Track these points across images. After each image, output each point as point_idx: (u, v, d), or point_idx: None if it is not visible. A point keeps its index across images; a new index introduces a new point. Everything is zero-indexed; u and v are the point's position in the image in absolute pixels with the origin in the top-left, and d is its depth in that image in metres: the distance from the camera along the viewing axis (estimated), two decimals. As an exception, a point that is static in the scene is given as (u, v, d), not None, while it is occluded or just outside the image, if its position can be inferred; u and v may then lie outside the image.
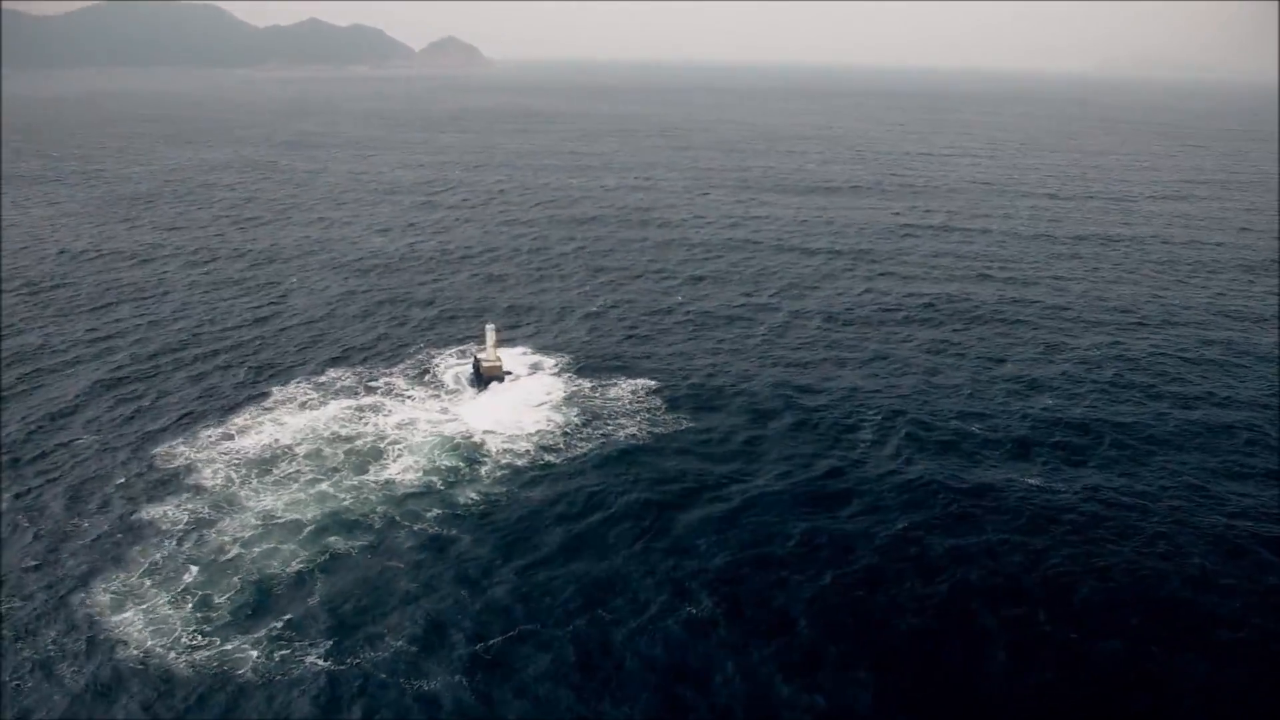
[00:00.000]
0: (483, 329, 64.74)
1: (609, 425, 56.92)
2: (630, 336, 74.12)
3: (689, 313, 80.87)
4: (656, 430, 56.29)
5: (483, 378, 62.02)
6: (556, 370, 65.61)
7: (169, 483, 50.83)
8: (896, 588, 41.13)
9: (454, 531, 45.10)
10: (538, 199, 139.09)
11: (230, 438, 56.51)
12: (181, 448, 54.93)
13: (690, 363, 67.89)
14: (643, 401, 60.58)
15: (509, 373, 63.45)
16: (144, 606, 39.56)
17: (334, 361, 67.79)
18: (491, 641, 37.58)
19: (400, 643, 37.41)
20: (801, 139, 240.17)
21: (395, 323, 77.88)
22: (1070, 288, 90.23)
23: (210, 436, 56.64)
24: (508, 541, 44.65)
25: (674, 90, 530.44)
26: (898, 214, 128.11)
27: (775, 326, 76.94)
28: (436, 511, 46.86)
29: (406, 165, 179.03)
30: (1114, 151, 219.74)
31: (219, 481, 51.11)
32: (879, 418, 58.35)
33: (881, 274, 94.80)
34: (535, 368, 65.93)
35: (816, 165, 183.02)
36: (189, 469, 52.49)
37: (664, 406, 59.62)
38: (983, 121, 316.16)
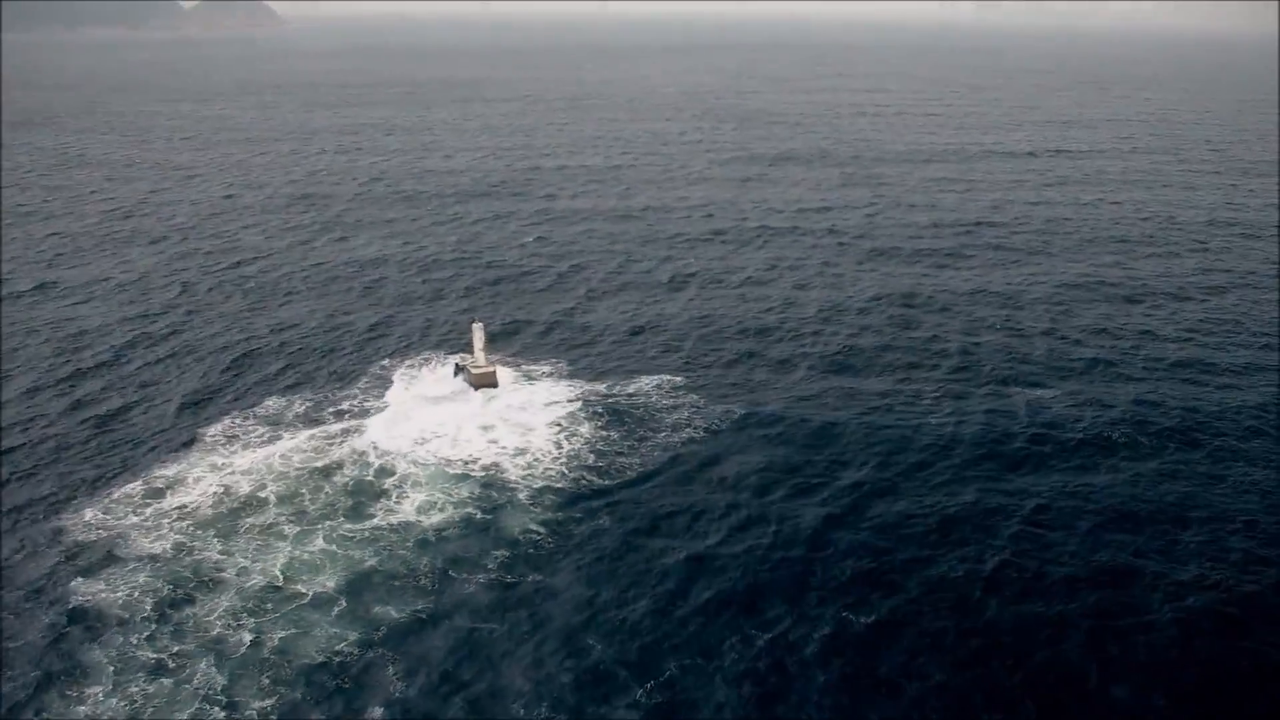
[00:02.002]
0: (470, 330, 56.99)
1: (646, 429, 51.36)
2: (628, 333, 67.58)
3: (685, 307, 74.36)
4: (710, 429, 51.27)
5: (474, 387, 54.69)
6: (554, 374, 59.11)
7: (99, 559, 40.66)
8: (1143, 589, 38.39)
9: (534, 575, 38.25)
10: (444, 182, 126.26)
11: (159, 494, 46.42)
12: (95, 514, 44.36)
13: (709, 356, 62.84)
14: (672, 399, 55.38)
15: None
16: (151, 729, 30.44)
17: (272, 388, 57.53)
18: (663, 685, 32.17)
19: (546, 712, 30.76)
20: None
21: (338, 335, 66.90)
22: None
23: (132, 494, 46.30)
24: (612, 577, 38.59)
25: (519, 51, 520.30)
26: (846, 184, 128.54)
27: (793, 318, 71.51)
28: (498, 552, 39.75)
29: (269, 153, 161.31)
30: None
31: (168, 548, 41.52)
32: (970, 398, 56.39)
33: (875, 254, 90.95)
34: (527, 374, 59.06)
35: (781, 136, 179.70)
36: (118, 538, 42.34)
37: (703, 402, 54.60)
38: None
